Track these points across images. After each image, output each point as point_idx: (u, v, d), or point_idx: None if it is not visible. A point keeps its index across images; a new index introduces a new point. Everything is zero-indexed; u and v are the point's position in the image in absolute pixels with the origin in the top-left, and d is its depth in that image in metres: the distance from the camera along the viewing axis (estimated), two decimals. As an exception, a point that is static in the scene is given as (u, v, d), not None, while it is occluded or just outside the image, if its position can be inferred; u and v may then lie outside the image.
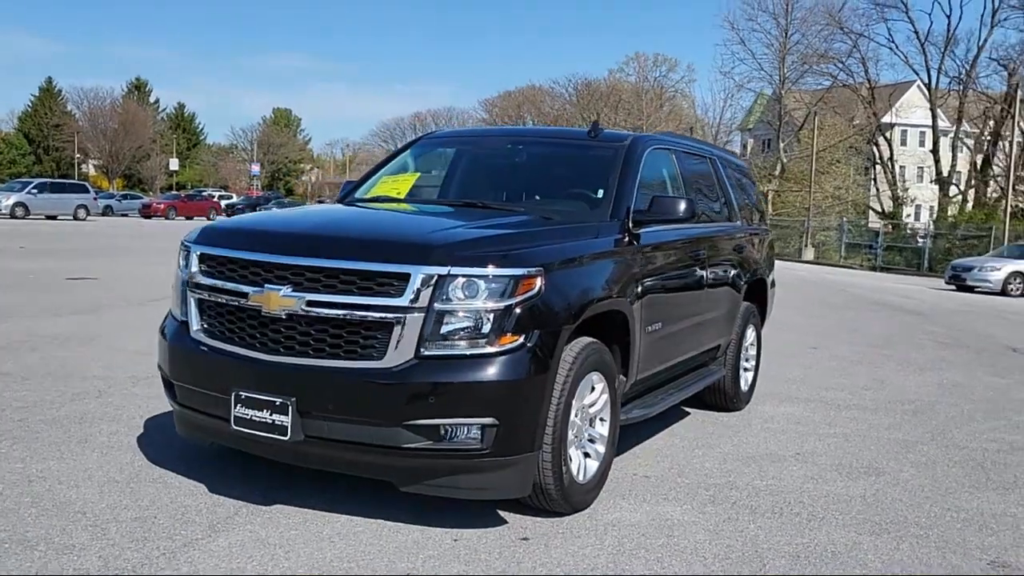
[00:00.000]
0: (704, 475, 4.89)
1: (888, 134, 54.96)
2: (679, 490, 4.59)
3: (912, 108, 58.86)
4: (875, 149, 54.37)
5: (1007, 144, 48.61)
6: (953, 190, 52.55)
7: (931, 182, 57.91)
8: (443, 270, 3.60)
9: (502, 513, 4.03)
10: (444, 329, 3.60)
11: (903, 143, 62.95)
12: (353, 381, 3.62)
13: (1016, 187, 43.10)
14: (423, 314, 3.58)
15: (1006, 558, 3.90)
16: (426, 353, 3.59)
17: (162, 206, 49.67)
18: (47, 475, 4.27)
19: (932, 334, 12.80)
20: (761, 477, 4.91)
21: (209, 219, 39.34)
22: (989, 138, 50.48)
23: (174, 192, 66.87)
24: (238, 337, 3.88)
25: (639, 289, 4.55)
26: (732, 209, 6.46)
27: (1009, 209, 36.67)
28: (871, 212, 52.69)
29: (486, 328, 3.61)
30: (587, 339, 4.05)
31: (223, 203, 54.80)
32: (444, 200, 5.18)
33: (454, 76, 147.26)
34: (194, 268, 4.12)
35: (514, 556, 3.60)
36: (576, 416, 4.03)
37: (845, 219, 42.94)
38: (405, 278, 3.60)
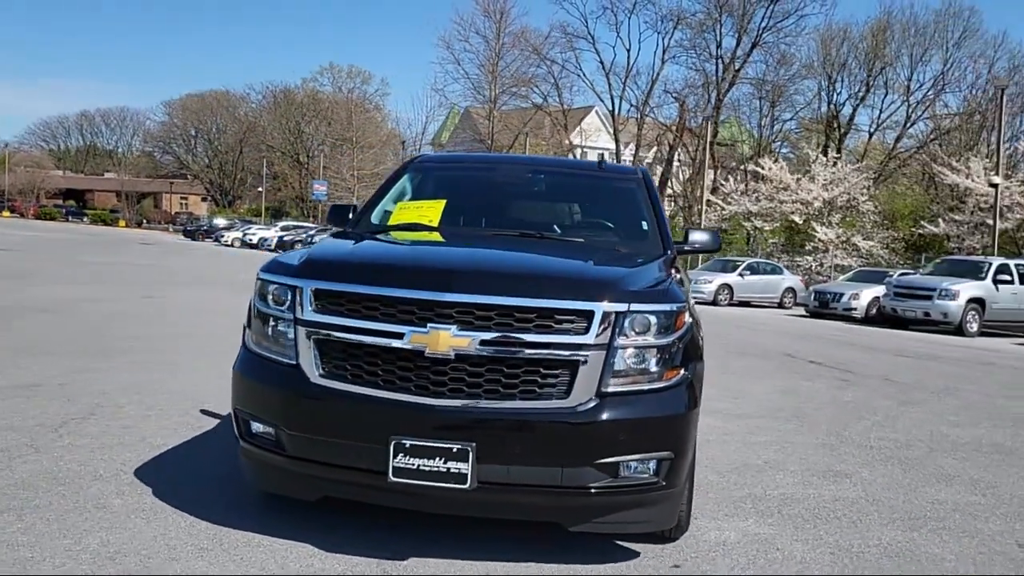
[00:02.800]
0: (726, 488, 5.23)
1: (578, 155, 59.47)
2: (730, 505, 4.89)
3: (598, 131, 64.22)
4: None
5: (679, 167, 54.78)
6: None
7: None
8: (622, 307, 3.62)
9: (626, 544, 4.08)
10: (621, 366, 3.61)
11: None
12: (541, 422, 3.51)
13: (694, 206, 48.56)
14: (603, 351, 3.57)
15: None
16: (605, 391, 3.58)
17: None
18: (119, 550, 3.64)
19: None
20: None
21: None
22: (665, 160, 56.36)
23: None
24: (391, 381, 3.59)
25: None
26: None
27: (699, 224, 41.44)
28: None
29: (656, 363, 3.68)
30: None
31: None
32: (492, 230, 5.03)
33: (124, 74, 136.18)
34: (307, 305, 3.73)
35: (687, 584, 3.70)
36: None
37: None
38: (588, 315, 3.57)
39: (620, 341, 3.59)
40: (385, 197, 5.31)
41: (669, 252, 4.79)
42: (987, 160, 34.66)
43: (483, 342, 3.52)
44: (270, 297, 3.89)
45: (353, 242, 4.44)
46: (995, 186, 26.24)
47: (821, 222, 37.79)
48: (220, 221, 66.29)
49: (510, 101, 57.16)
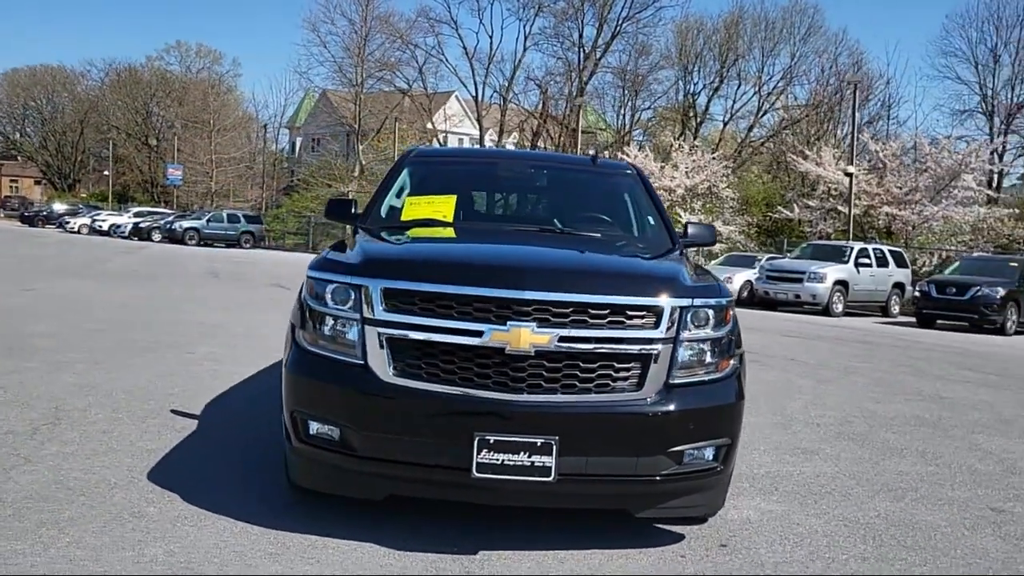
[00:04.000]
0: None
1: (443, 140, 59.42)
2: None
3: (461, 117, 64.31)
4: (433, 154, 58.26)
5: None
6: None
7: (477, 186, 63.70)
8: (687, 302, 3.80)
9: (668, 528, 4.27)
10: (684, 358, 3.79)
11: (455, 150, 68.24)
12: (618, 414, 3.65)
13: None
14: (671, 345, 3.74)
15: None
16: (672, 383, 3.75)
17: None
18: (188, 559, 3.54)
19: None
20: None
21: None
22: (529, 147, 57.01)
23: None
24: (468, 378, 3.63)
25: None
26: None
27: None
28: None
29: (713, 355, 3.88)
30: None
31: None
32: (511, 225, 5.07)
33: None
34: (377, 305, 3.71)
35: (739, 560, 3.92)
36: None
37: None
38: (658, 311, 3.73)
39: (684, 335, 3.77)
40: (389, 192, 5.28)
41: (677, 246, 4.99)
42: (835, 149, 36.93)
43: (562, 338, 3.61)
44: (329, 296, 3.84)
45: (398, 239, 4.41)
46: (850, 175, 28.10)
47: (685, 208, 39.28)
48: (59, 206, 62.11)
49: (376, 85, 56.36)
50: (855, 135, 30.48)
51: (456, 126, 62.79)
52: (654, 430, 3.69)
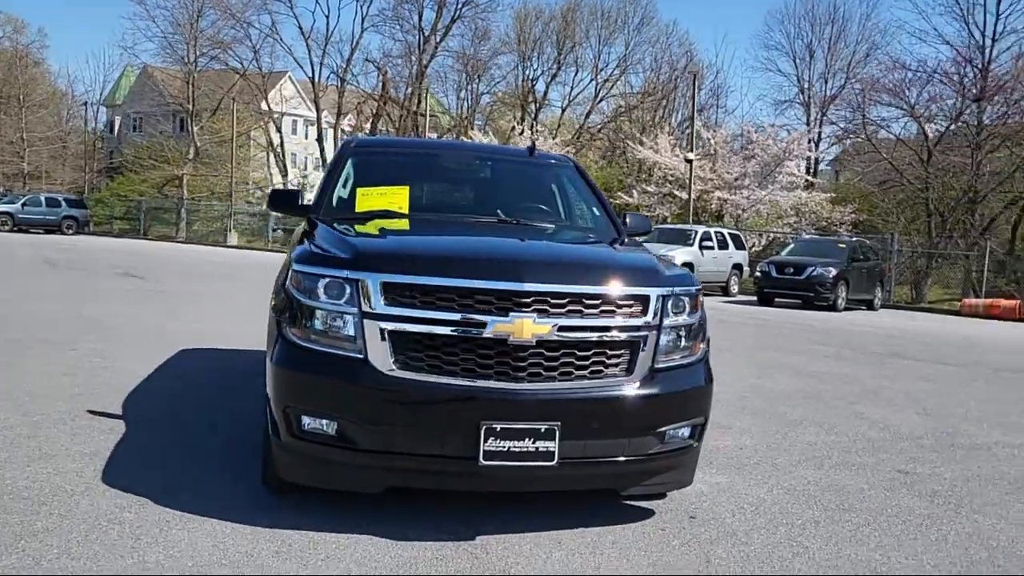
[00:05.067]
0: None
1: (279, 122, 57.72)
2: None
3: (298, 99, 62.66)
4: (268, 136, 56.57)
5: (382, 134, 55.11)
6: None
7: (316, 169, 62.49)
8: (668, 290, 4.03)
9: (633, 504, 4.51)
10: (667, 343, 4.02)
11: (294, 132, 66.55)
12: (613, 398, 3.83)
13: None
14: (656, 331, 3.96)
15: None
16: (657, 367, 3.98)
17: None
18: (197, 562, 3.46)
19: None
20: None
21: None
22: (369, 130, 56.27)
23: None
24: (471, 369, 3.71)
25: None
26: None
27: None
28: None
29: (688, 340, 4.13)
30: None
31: None
32: (468, 216, 5.11)
33: None
34: (376, 299, 3.72)
35: (714, 530, 4.20)
36: None
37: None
38: (645, 299, 3.94)
39: (666, 321, 4.00)
40: (337, 182, 5.23)
41: (623, 235, 5.22)
42: (671, 136, 38.63)
43: (560, 328, 3.76)
44: (321, 291, 3.82)
45: (378, 232, 4.40)
46: (690, 162, 29.53)
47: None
48: None
49: (209, 64, 53.90)
50: (694, 123, 31.99)
51: (294, 108, 61.12)
52: (644, 412, 3.90)
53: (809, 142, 39.44)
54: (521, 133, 42.26)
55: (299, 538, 3.77)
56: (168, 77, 57.31)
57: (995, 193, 28.65)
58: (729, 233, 26.25)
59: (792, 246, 24.24)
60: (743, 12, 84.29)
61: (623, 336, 3.88)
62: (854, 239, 24.88)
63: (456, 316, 3.70)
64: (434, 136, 54.97)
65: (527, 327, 3.70)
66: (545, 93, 53.75)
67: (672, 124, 45.40)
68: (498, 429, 3.64)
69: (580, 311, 3.81)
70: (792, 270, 21.03)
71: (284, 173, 55.70)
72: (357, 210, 4.99)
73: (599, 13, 51.38)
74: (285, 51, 63.51)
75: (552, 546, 3.87)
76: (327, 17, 65.98)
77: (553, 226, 5.19)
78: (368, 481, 3.87)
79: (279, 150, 55.80)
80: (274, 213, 45.92)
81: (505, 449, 3.65)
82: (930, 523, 4.53)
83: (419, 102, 54.32)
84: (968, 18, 31.83)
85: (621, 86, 50.92)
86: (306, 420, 3.80)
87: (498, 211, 5.16)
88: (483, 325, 3.69)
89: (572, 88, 52.95)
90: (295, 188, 5.38)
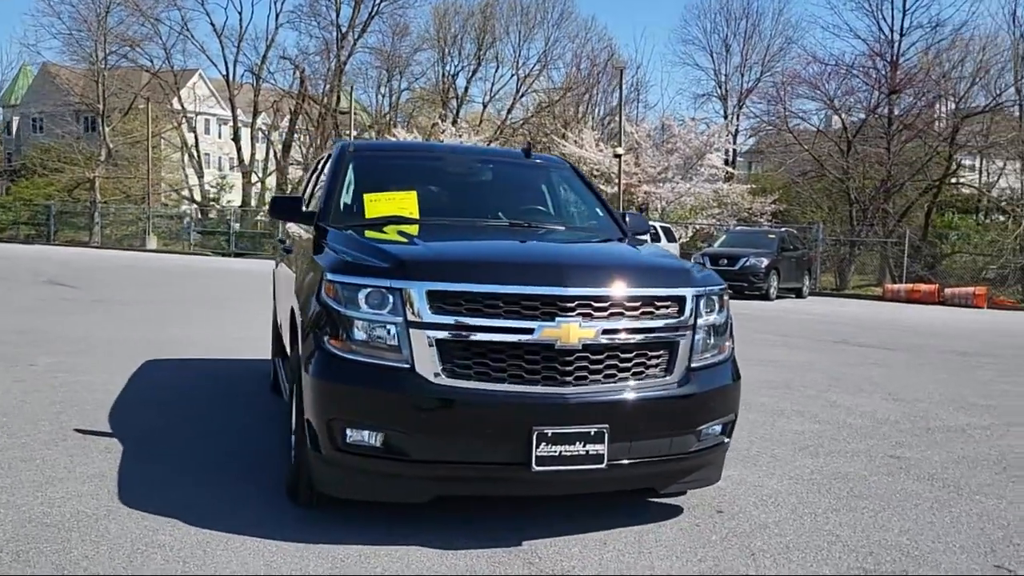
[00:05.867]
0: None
1: (193, 121, 56.24)
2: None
3: (212, 97, 61.11)
4: (181, 136, 55.06)
5: (302, 135, 54.32)
6: (255, 176, 56.27)
7: (231, 169, 61.19)
8: (701, 290, 4.10)
9: (659, 501, 4.58)
10: (701, 343, 4.09)
11: (207, 131, 64.93)
12: (656, 398, 3.88)
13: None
14: (691, 331, 4.03)
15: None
16: (693, 366, 4.05)
17: None
18: (257, 584, 3.38)
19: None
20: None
21: None
22: (287, 128, 55.29)
23: None
24: (518, 375, 3.71)
25: None
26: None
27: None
28: (190, 197, 53.28)
29: (718, 338, 4.21)
30: None
31: None
32: (480, 220, 5.09)
33: None
34: (421, 307, 3.69)
35: (744, 522, 4.30)
36: None
37: (191, 207, 43.23)
38: (681, 300, 4.00)
39: (699, 321, 4.07)
40: (341, 188, 5.15)
41: (628, 236, 5.28)
42: (595, 132, 39.01)
43: (604, 331, 3.79)
44: (362, 300, 3.76)
45: (409, 239, 4.33)
46: (619, 157, 29.86)
47: (456, 189, 39.85)
48: None
49: (118, 62, 52.06)
50: (621, 118, 32.38)
51: (209, 107, 59.61)
52: (684, 411, 3.96)
53: (728, 135, 40.33)
54: (444, 131, 42.05)
55: (349, 552, 3.71)
56: (72, 76, 55.15)
57: (912, 182, 29.81)
58: (661, 226, 26.67)
59: (724, 237, 24.76)
60: (661, 7, 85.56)
61: (662, 337, 3.94)
62: (783, 229, 25.57)
63: (504, 323, 3.70)
64: (354, 135, 54.30)
65: (573, 331, 3.72)
66: (466, 89, 53.68)
67: (595, 119, 45.82)
68: (550, 434, 3.66)
69: (621, 313, 3.85)
70: (726, 261, 21.50)
71: (200, 174, 54.25)
72: (367, 216, 4.92)
73: (518, 9, 51.53)
74: (197, 48, 61.63)
75: (598, 547, 3.90)
76: (240, 14, 64.33)
77: (564, 228, 5.22)
78: (415, 492, 3.83)
79: (193, 151, 54.34)
80: (236, 225, 44.89)
81: (557, 454, 3.67)
82: (939, 506, 4.71)
83: (338, 100, 53.61)
84: (877, 14, 33.04)
85: (542, 81, 51.17)
86: (350, 432, 3.74)
87: (504, 214, 5.17)
88: (531, 331, 3.70)
89: (493, 84, 53.03)
90: (297, 196, 5.25)
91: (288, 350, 4.98)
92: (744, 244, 22.58)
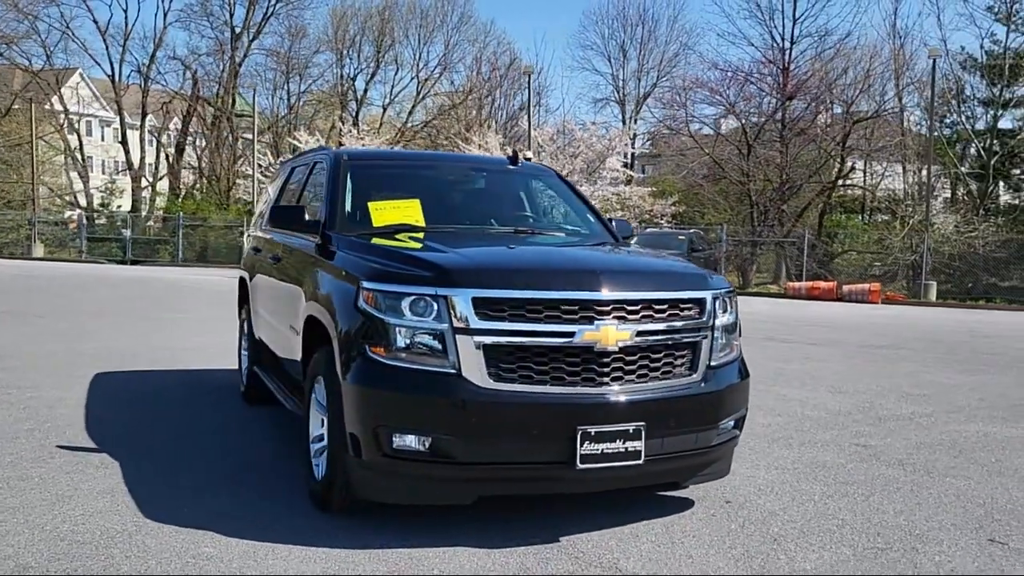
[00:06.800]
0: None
1: (77, 123, 54.01)
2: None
3: (94, 98, 58.74)
4: (64, 138, 52.74)
5: (198, 138, 52.85)
6: (146, 180, 54.41)
7: (117, 173, 59.00)
8: (718, 292, 4.33)
9: (669, 495, 4.80)
10: (718, 342, 4.33)
11: (89, 133, 62.35)
12: (684, 396, 4.09)
13: (224, 179, 47.45)
14: (710, 331, 4.26)
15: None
16: (712, 364, 4.28)
17: None
18: None
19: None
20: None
21: None
22: (180, 130, 53.65)
23: None
24: (560, 377, 3.85)
25: None
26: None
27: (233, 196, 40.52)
28: (76, 203, 51.05)
29: (730, 337, 4.46)
30: None
31: None
32: (485, 227, 5.21)
33: None
34: (466, 313, 3.80)
35: (754, 511, 4.55)
36: None
37: (75, 212, 41.40)
38: (702, 302, 4.22)
39: (716, 322, 4.30)
40: (344, 197, 5.17)
41: (620, 241, 5.49)
42: (500, 136, 39.29)
43: (638, 333, 3.98)
44: (405, 308, 3.84)
45: (440, 247, 4.39)
46: (528, 159, 30.12)
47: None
48: None
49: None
50: (530, 121, 32.77)
51: (94, 110, 57.24)
52: (707, 407, 4.19)
53: (628, 139, 41.28)
54: (346, 133, 41.59)
55: (399, 555, 3.79)
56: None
57: (808, 183, 31.22)
58: (572, 229, 27.07)
59: (636, 239, 25.40)
60: (560, 12, 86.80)
61: (687, 337, 4.15)
62: (692, 231, 26.41)
63: (546, 327, 3.84)
64: (249, 137, 53.07)
65: (612, 334, 3.89)
66: (365, 91, 53.22)
67: (498, 122, 46.16)
68: (593, 433, 3.82)
69: (651, 316, 4.04)
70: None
71: (85, 179, 52.08)
72: (375, 224, 4.97)
73: (417, 11, 51.39)
74: (80, 47, 59.16)
75: (632, 539, 4.08)
76: (125, 12, 62.15)
77: (563, 233, 5.39)
78: (460, 493, 3.94)
79: (77, 154, 52.12)
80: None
81: (599, 451, 3.83)
82: (919, 488, 5.08)
83: (234, 102, 52.39)
84: (769, 23, 34.47)
85: (443, 84, 51.21)
86: (397, 438, 3.82)
87: (501, 220, 5.33)
88: (572, 334, 3.85)
89: (393, 86, 52.71)
90: (299, 206, 5.26)
91: (296, 359, 4.97)
92: (655, 246, 23.18)
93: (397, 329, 3.85)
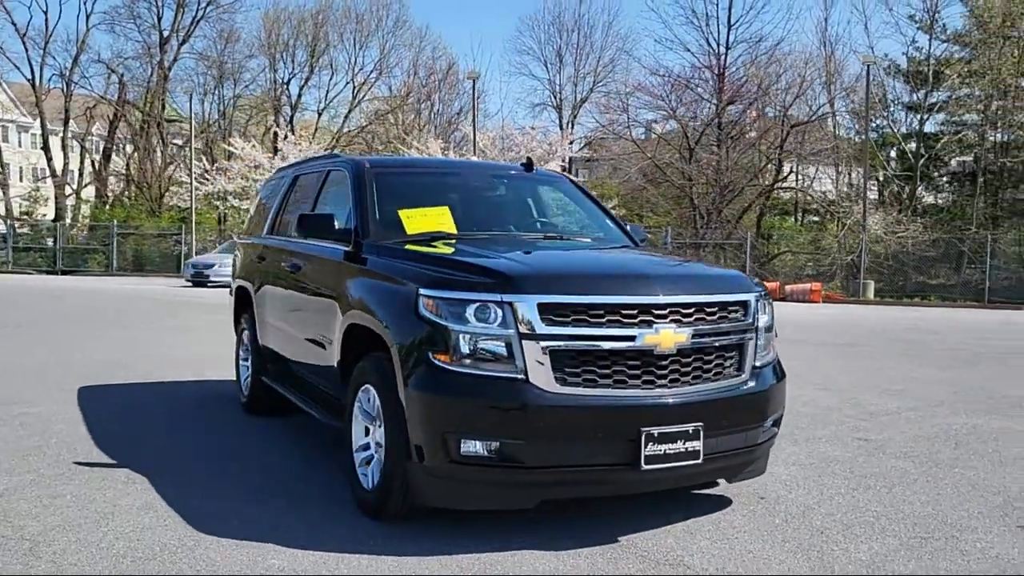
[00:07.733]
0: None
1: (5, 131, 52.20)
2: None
3: (11, 103, 56.81)
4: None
5: (126, 144, 51.51)
6: (70, 188, 52.83)
7: (39, 180, 57.12)
8: (759, 294, 4.47)
9: (704, 493, 4.92)
10: (760, 343, 4.46)
11: (6, 139, 60.24)
12: (735, 396, 4.22)
13: (155, 186, 46.32)
14: (754, 333, 4.40)
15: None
16: (756, 364, 4.41)
17: None
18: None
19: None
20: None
21: None
22: (107, 136, 52.18)
23: None
24: (622, 380, 3.93)
25: None
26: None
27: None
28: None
29: (769, 337, 4.60)
30: None
31: None
32: (516, 233, 5.27)
33: None
34: (532, 319, 3.85)
35: (790, 505, 4.70)
36: None
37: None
38: (747, 304, 4.35)
39: (759, 323, 4.44)
40: (372, 206, 5.16)
41: (639, 244, 5.61)
42: (440, 140, 39.31)
43: (694, 335, 4.08)
44: (470, 315, 3.88)
45: (495, 254, 4.41)
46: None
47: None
48: None
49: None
50: (476, 124, 32.86)
51: (7, 115, 55.35)
52: (754, 406, 4.32)
53: (567, 143, 41.68)
54: (285, 138, 41.08)
55: (469, 560, 3.82)
56: None
57: (749, 186, 31.97)
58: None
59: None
60: (495, 17, 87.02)
61: (735, 338, 4.28)
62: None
63: (608, 331, 3.92)
64: (179, 143, 51.99)
65: (670, 336, 3.99)
66: (299, 96, 52.55)
67: (438, 126, 46.10)
68: (656, 434, 3.91)
69: (704, 318, 4.15)
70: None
71: (5, 187, 50.26)
72: (409, 232, 4.98)
73: (352, 16, 51.04)
74: (-1, 51, 57.18)
75: (688, 536, 4.19)
76: (46, 14, 60.15)
77: (589, 239, 5.48)
78: (525, 497, 3.98)
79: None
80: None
81: (662, 452, 3.93)
82: (934, 480, 5.30)
83: (163, 107, 51.22)
84: (705, 29, 35.18)
85: (380, 89, 50.93)
86: (465, 444, 3.85)
87: (524, 226, 5.43)
88: (633, 338, 3.94)
89: (328, 91, 52.21)
90: (330, 214, 5.24)
91: (329, 367, 4.96)
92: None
93: (462, 336, 3.88)
